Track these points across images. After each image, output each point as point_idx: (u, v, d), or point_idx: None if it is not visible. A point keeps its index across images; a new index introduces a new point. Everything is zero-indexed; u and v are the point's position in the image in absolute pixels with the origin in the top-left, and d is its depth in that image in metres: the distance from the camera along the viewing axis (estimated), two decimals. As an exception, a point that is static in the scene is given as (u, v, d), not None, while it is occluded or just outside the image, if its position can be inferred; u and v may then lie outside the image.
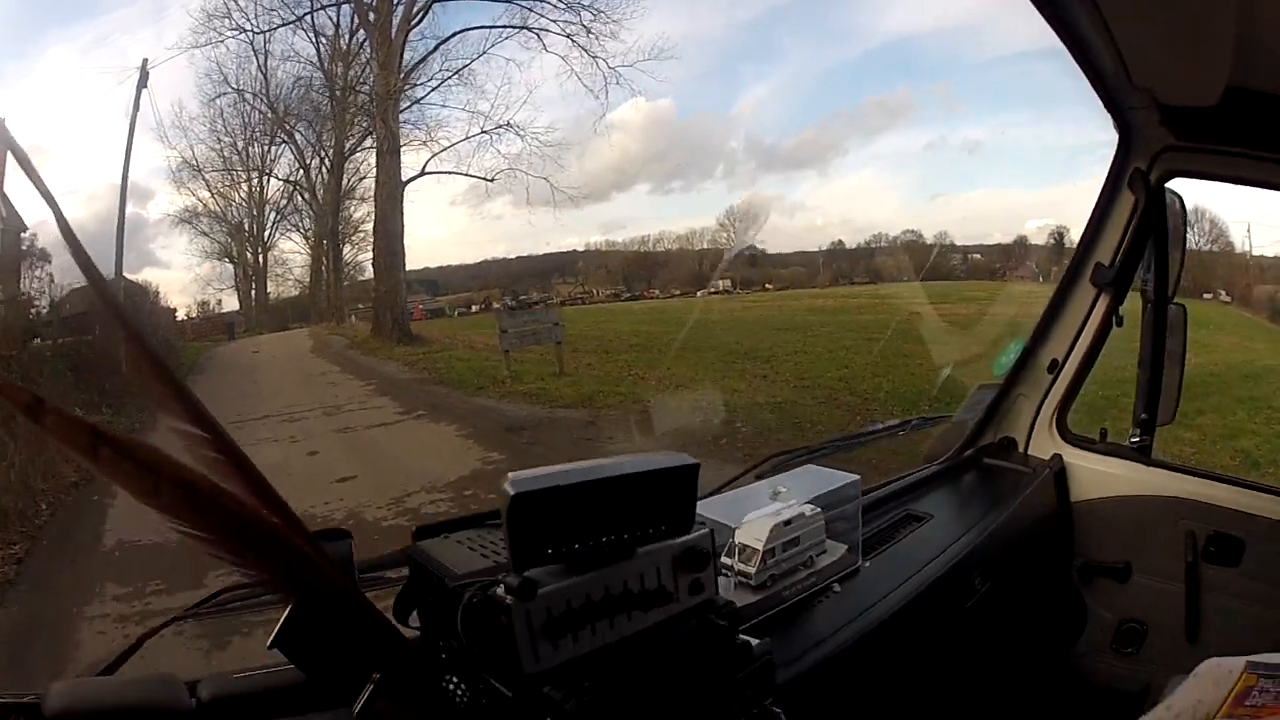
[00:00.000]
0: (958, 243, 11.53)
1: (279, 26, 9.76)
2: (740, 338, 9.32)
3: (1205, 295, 9.75)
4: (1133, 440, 1.62)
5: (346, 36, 10.01)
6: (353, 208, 10.94)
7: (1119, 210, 1.52)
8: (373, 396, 8.20)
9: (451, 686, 0.64)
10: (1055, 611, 1.60)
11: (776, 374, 8.08)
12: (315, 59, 10.08)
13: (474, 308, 11.45)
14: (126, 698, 0.69)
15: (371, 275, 10.39)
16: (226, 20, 9.44)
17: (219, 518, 0.58)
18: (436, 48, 9.92)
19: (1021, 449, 1.62)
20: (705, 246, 11.90)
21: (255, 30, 9.68)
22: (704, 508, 0.76)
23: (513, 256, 11.63)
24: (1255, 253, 9.39)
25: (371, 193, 10.16)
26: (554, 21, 9.81)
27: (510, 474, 0.60)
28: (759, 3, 11.74)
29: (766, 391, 7.51)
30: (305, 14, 9.81)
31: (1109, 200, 1.53)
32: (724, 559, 0.94)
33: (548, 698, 0.60)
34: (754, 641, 0.72)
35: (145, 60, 8.97)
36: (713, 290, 11.41)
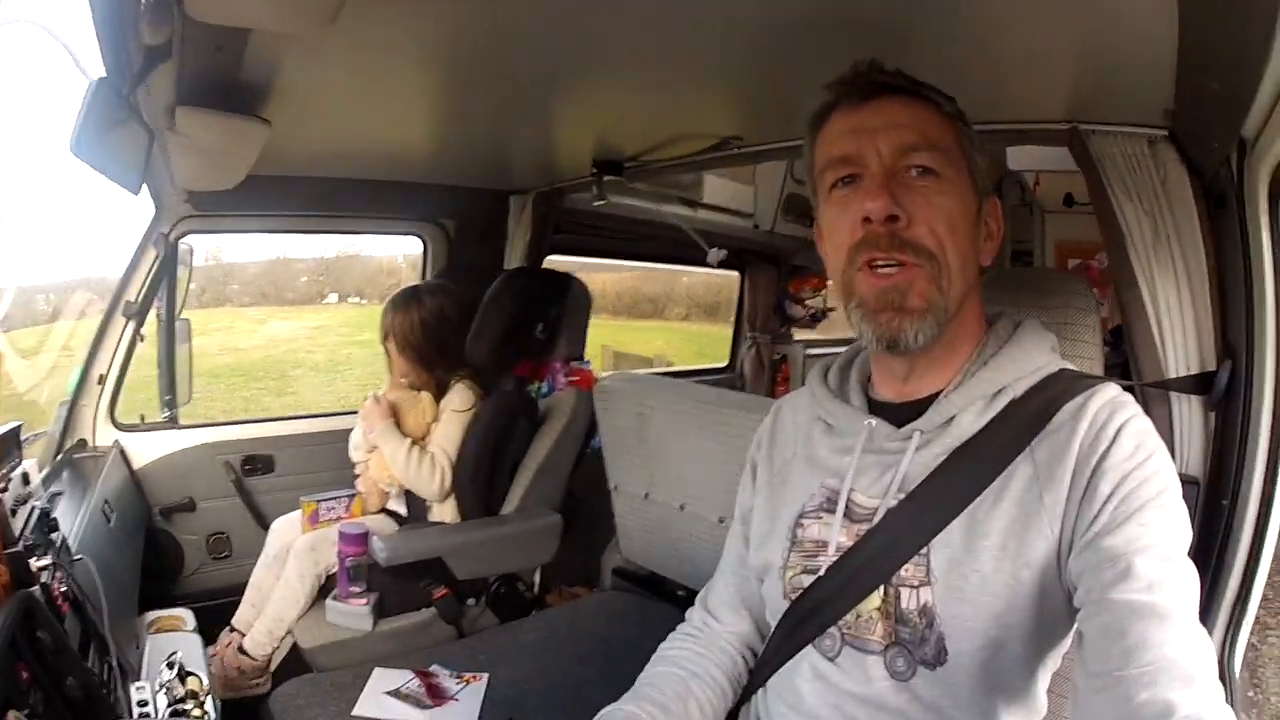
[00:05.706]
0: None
1: None
2: None
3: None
4: (164, 416, 2.25)
5: None
6: None
7: (145, 261, 2.11)
8: None
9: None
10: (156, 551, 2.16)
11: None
12: None
13: None
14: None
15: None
16: None
17: None
18: None
19: (92, 444, 2.14)
20: None
21: None
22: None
23: None
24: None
25: None
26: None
27: None
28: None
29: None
30: None
31: (140, 254, 2.11)
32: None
33: None
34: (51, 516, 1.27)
35: None
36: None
